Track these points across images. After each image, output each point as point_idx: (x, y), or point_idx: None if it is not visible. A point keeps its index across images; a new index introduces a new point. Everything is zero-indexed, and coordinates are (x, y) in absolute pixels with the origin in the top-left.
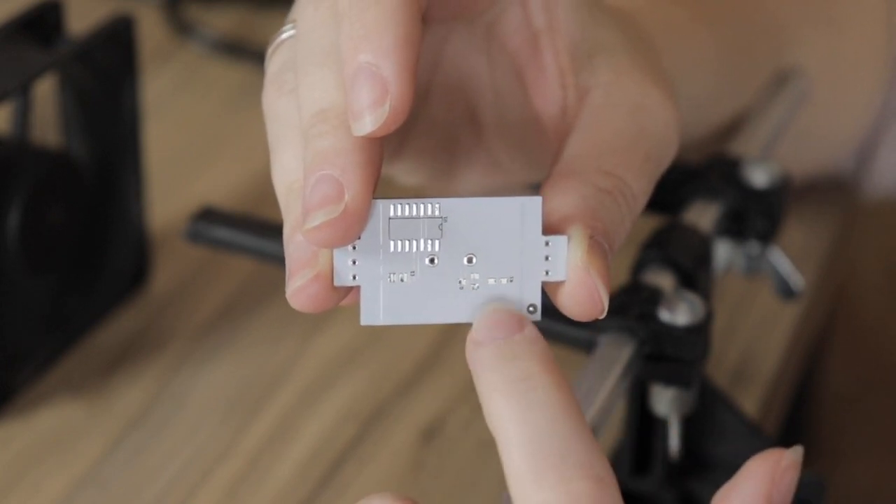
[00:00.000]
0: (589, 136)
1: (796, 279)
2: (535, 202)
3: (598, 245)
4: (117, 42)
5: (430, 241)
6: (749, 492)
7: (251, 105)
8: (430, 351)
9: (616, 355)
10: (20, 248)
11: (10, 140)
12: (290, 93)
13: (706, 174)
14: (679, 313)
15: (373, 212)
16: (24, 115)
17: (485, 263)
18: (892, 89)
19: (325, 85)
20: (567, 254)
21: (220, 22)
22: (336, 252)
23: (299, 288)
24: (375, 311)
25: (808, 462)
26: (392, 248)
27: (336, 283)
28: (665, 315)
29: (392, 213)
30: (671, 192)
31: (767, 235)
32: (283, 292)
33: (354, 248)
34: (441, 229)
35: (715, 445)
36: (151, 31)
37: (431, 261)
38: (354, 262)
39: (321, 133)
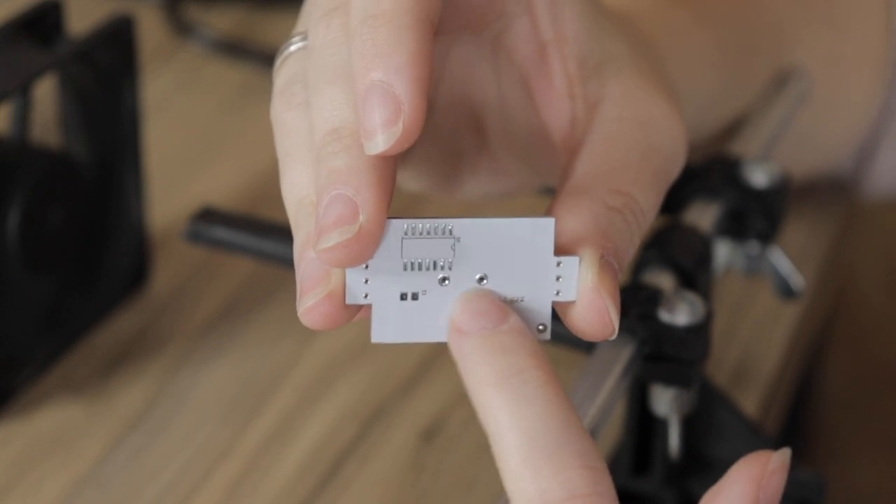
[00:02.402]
0: (599, 154)
1: (796, 279)
2: (547, 223)
3: (609, 266)
4: (117, 42)
5: (442, 261)
6: (736, 495)
7: (251, 105)
8: (430, 351)
9: (616, 355)
10: (20, 248)
11: (10, 140)
12: (298, 106)
13: (706, 174)
14: (679, 313)
15: (386, 231)
16: (24, 115)
17: (496, 283)
18: (892, 90)
19: (338, 103)
20: (578, 275)
21: (220, 22)
22: (348, 270)
23: (311, 306)
24: (386, 330)
25: (808, 462)
26: (404, 268)
27: (348, 302)
28: (665, 315)
29: (405, 233)
30: (671, 192)
31: (767, 235)
32: (284, 292)
33: (367, 266)
34: (454, 249)
35: (715, 445)
36: (151, 31)
37: (443, 280)
38: (367, 281)
39: (335, 152)
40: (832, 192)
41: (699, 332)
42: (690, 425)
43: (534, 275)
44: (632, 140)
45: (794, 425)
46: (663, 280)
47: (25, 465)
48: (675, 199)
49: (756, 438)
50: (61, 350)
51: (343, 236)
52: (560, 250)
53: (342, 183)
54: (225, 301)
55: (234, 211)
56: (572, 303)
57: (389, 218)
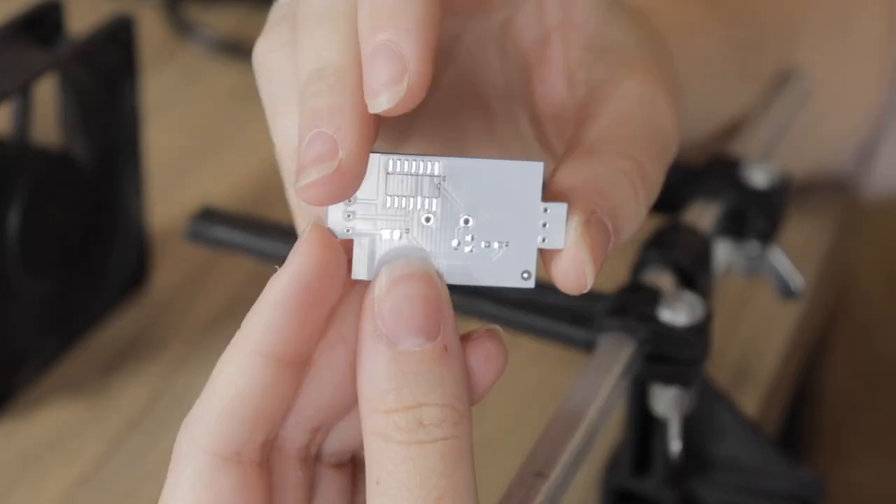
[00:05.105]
0: (608, 124)
1: (796, 279)
2: (536, 167)
3: (599, 222)
4: (117, 42)
5: (427, 200)
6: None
7: (251, 105)
8: None
9: (616, 355)
10: (20, 248)
11: (10, 140)
12: (282, 46)
13: (706, 174)
14: (679, 313)
15: (370, 165)
16: (24, 115)
17: (481, 226)
18: (894, 89)
19: (325, 43)
20: (566, 224)
21: (220, 22)
22: (332, 210)
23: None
24: (366, 268)
25: (808, 462)
26: (388, 204)
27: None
28: (665, 315)
29: (391, 169)
30: (671, 192)
31: (767, 235)
32: None
33: (350, 201)
34: (439, 188)
35: (715, 445)
36: (151, 31)
37: (427, 220)
38: (349, 217)
39: (317, 92)
40: (832, 192)
41: (699, 332)
42: (690, 425)
43: (520, 219)
44: (639, 118)
45: (794, 425)
46: (663, 280)
47: (26, 465)
48: (675, 199)
49: (756, 438)
50: (61, 350)
51: (321, 173)
52: (553, 200)
53: (323, 122)
54: (225, 301)
55: (234, 211)
56: (557, 251)
57: (374, 152)
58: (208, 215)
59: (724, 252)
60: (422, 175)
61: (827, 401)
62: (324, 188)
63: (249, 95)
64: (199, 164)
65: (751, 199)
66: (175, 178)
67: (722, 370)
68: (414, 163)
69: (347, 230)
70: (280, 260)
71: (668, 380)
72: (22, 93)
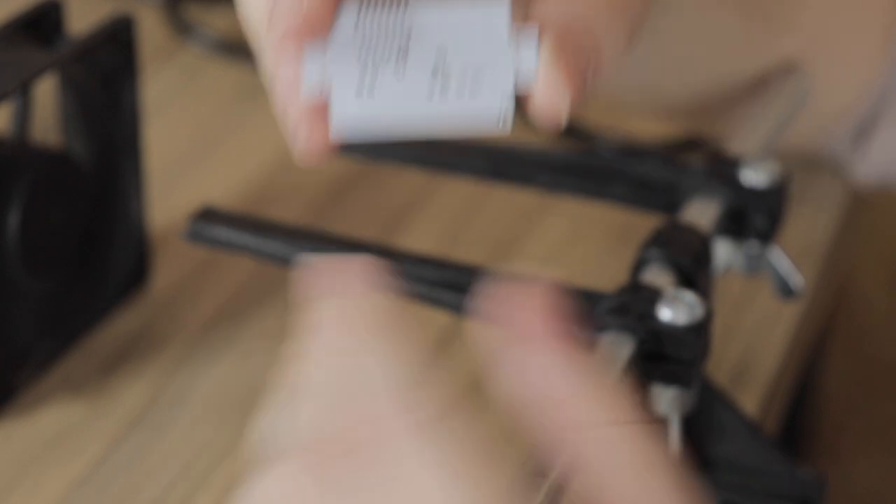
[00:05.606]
0: None
1: (796, 279)
2: (501, 8)
3: (574, 40)
4: (117, 42)
5: (398, 49)
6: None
7: (251, 105)
8: (431, 350)
9: (616, 355)
10: (20, 248)
11: (10, 140)
12: None
13: (706, 174)
14: (679, 313)
15: (340, 16)
16: (24, 115)
17: (453, 71)
18: (892, 69)
19: None
20: (539, 54)
21: (220, 22)
22: (307, 59)
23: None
24: (343, 122)
25: (808, 462)
26: (359, 55)
27: (305, 91)
28: (665, 315)
29: (360, 18)
30: (671, 191)
31: (767, 235)
32: (284, 292)
33: (322, 55)
34: (409, 35)
35: (715, 445)
36: (151, 31)
37: (399, 68)
38: (323, 70)
39: None
40: (832, 192)
41: (699, 332)
42: (690, 425)
43: (491, 62)
44: None
45: (794, 425)
46: (663, 280)
47: (26, 465)
48: (675, 199)
49: (756, 438)
50: (61, 350)
51: (292, 13)
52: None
53: None
54: (225, 301)
55: (234, 211)
56: (532, 85)
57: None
58: (208, 215)
59: (724, 252)
60: (391, 23)
61: (827, 401)
62: (295, 24)
63: (249, 95)
64: (199, 164)
65: (750, 199)
66: (175, 178)
67: (722, 370)
68: (383, 13)
69: (322, 84)
70: (280, 260)
71: (668, 380)
72: (22, 93)
